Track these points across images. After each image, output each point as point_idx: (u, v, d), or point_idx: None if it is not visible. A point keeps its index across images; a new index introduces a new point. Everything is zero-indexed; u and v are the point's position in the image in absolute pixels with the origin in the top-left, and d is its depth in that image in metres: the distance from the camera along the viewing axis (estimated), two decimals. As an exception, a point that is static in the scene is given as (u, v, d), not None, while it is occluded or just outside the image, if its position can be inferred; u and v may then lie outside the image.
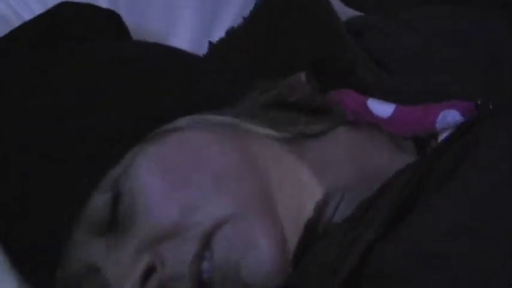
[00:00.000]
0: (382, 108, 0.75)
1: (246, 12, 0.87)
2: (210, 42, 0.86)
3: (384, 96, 0.75)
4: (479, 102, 0.73)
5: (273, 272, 0.67)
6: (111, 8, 0.88)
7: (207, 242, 0.67)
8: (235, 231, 0.67)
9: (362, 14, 0.90)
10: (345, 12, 0.89)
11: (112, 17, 0.85)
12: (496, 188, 0.61)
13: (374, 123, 0.75)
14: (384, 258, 0.62)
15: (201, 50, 0.87)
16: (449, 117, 0.73)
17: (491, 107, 0.72)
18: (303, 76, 0.75)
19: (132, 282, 0.66)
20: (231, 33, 0.85)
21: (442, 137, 0.73)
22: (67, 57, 0.76)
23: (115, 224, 0.68)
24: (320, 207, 0.70)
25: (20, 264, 0.72)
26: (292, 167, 0.72)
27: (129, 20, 0.88)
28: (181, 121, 0.71)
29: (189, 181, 0.68)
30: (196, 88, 0.74)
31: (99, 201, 0.68)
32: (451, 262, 0.59)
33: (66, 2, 0.82)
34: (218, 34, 0.87)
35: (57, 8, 0.81)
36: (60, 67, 0.74)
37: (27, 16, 0.88)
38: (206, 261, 0.67)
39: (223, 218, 0.67)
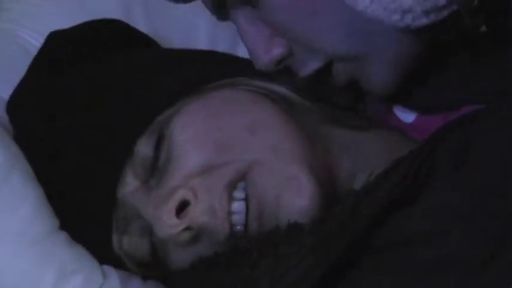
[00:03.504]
0: (405, 116, 0.80)
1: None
2: None
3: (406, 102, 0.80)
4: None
5: (309, 206, 0.68)
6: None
7: (240, 177, 0.69)
8: (273, 168, 0.69)
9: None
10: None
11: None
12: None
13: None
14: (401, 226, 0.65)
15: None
16: None
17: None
18: None
19: (167, 213, 0.68)
20: None
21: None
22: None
23: (157, 168, 0.72)
24: (347, 176, 0.73)
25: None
26: (325, 136, 0.75)
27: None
28: (227, 81, 0.76)
29: (226, 127, 0.71)
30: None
31: (145, 142, 0.72)
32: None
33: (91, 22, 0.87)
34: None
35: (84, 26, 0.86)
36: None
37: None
38: (239, 192, 0.70)
39: (260, 159, 0.70)
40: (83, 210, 0.74)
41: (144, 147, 0.72)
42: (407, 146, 0.73)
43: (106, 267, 0.74)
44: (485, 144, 0.67)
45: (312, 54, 0.75)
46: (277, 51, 0.75)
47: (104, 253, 0.74)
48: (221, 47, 0.97)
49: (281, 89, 0.77)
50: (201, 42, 0.98)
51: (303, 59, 0.75)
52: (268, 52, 0.75)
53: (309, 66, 0.76)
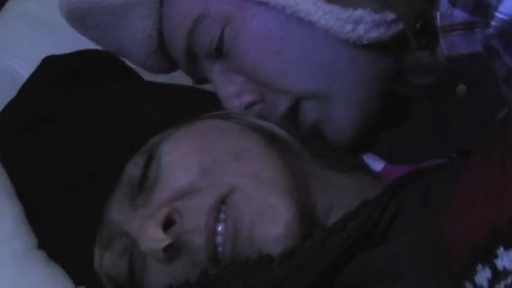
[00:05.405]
0: (374, 164, 0.83)
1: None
2: None
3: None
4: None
5: (284, 235, 0.70)
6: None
7: (222, 199, 0.71)
8: (254, 194, 0.71)
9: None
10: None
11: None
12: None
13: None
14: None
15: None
16: None
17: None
18: None
19: (153, 227, 0.70)
20: None
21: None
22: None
23: (144, 187, 0.74)
24: (324, 212, 0.75)
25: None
26: (306, 172, 0.77)
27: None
28: (218, 112, 0.80)
29: (212, 151, 0.74)
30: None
31: (134, 162, 0.74)
32: None
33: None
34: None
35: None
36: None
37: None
38: (222, 214, 0.71)
39: (241, 184, 0.72)
40: (67, 228, 0.75)
41: (133, 167, 0.74)
42: (380, 190, 0.76)
43: None
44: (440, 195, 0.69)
45: (280, 94, 0.79)
46: (248, 97, 0.80)
47: (82, 273, 0.75)
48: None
49: (271, 126, 0.80)
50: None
51: (274, 101, 0.80)
52: (238, 97, 0.80)
53: (279, 108, 0.80)
